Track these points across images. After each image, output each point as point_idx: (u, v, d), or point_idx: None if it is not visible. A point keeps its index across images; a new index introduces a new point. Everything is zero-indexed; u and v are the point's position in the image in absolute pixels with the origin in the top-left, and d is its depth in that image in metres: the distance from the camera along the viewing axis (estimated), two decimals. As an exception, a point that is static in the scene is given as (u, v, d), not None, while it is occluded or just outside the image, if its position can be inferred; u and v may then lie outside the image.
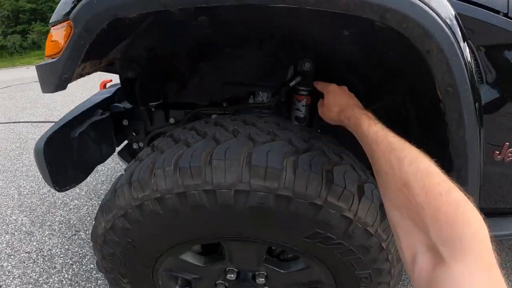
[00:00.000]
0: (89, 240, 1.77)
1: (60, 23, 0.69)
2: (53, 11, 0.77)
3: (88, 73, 0.87)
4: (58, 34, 0.70)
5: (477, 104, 0.65)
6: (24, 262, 1.68)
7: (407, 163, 0.48)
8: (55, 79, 0.71)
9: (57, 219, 1.97)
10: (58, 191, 1.01)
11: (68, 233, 1.84)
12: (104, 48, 0.80)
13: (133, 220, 0.73)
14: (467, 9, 0.78)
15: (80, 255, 1.68)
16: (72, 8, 0.65)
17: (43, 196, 2.23)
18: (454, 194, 0.41)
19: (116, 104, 1.22)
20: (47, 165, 0.93)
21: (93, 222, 0.89)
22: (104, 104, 1.19)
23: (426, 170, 0.45)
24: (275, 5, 0.59)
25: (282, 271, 0.88)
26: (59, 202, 2.14)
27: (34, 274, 1.60)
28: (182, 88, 1.13)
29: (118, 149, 1.38)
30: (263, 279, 0.91)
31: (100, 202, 2.00)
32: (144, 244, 0.78)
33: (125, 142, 1.39)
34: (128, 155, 1.40)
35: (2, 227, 1.96)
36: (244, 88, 1.09)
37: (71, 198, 2.16)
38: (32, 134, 3.52)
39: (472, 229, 0.38)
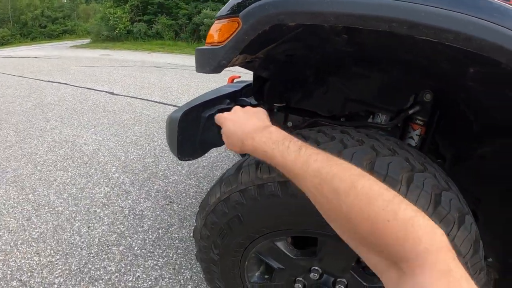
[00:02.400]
0: (180, 213, 1.95)
1: (228, 17, 0.81)
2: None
3: (236, 65, 1.01)
4: (224, 27, 0.83)
5: None
6: (116, 214, 1.91)
7: (343, 193, 0.44)
8: (214, 63, 0.86)
9: (155, 187, 2.20)
10: (180, 159, 1.17)
11: (162, 202, 2.05)
12: (259, 46, 0.92)
13: (250, 197, 0.82)
14: None
15: (168, 223, 1.86)
16: (243, 7, 0.77)
17: (147, 165, 2.51)
18: (400, 215, 0.40)
19: (243, 98, 1.36)
20: (178, 134, 1.08)
21: (204, 194, 1.01)
22: (232, 96, 1.33)
23: (366, 197, 0.42)
24: (419, 37, 0.63)
25: (364, 284, 0.90)
26: (160, 173, 2.39)
27: (122, 226, 1.81)
28: (306, 96, 1.22)
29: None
30: (342, 287, 0.93)
31: (197, 183, 2.20)
32: (251, 221, 0.87)
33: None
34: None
35: (104, 181, 2.26)
36: (365, 107, 1.14)
37: (171, 173, 2.40)
38: (146, 110, 3.96)
39: (423, 245, 0.37)
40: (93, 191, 2.13)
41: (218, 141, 1.33)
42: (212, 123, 1.29)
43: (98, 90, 4.98)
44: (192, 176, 2.38)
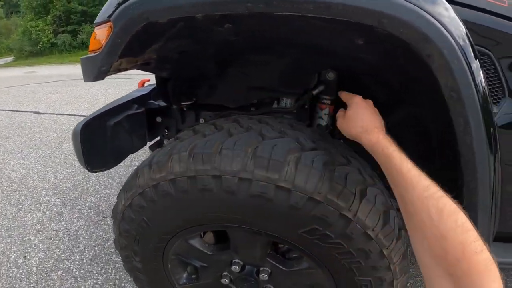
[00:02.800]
0: None
1: (103, 23, 0.79)
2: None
3: (126, 69, 0.98)
4: (100, 33, 0.81)
5: (485, 108, 0.66)
6: (51, 239, 1.83)
7: (446, 215, 0.50)
8: (95, 70, 0.83)
9: (87, 204, 2.12)
10: (90, 171, 1.13)
11: (96, 218, 1.98)
12: (140, 47, 0.89)
13: (148, 199, 0.81)
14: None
15: (104, 239, 1.80)
16: (114, 11, 0.75)
17: (77, 183, 2.40)
18: (485, 254, 0.47)
19: (151, 101, 1.33)
20: (81, 145, 1.04)
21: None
22: (140, 100, 1.30)
23: (463, 226, 0.49)
24: (280, 13, 0.65)
25: (285, 269, 0.92)
26: (91, 189, 2.30)
27: (58, 250, 1.74)
28: (212, 91, 1.21)
29: (150, 143, 1.48)
30: (266, 276, 0.94)
31: None
32: (156, 223, 0.86)
33: (158, 138, 1.48)
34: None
35: (36, 206, 2.16)
36: (269, 93, 1.16)
37: (103, 187, 2.32)
38: (73, 126, 3.75)
39: (496, 285, 0.45)
40: (25, 218, 2.02)
41: (131, 148, 1.30)
42: (121, 131, 1.26)
43: (23, 111, 4.63)
44: (124, 186, 2.31)
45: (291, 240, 0.80)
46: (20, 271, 1.62)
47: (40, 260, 1.68)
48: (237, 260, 0.96)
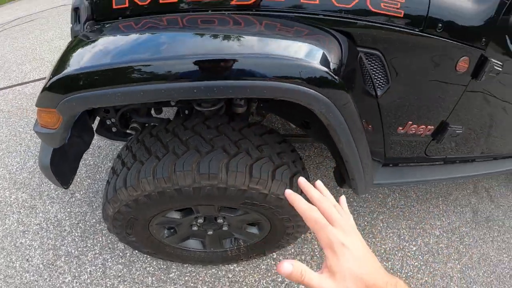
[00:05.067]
0: (85, 199, 2.19)
1: (48, 109, 0.97)
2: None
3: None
4: (50, 117, 0.99)
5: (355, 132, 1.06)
6: (38, 233, 2.03)
7: None
8: (57, 141, 1.07)
9: (52, 187, 2.30)
10: (66, 188, 1.38)
11: (66, 197, 2.21)
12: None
13: (132, 206, 1.16)
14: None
15: (82, 213, 2.10)
16: (56, 101, 0.92)
17: (32, 169, 2.51)
18: None
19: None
20: (55, 177, 1.28)
21: (101, 204, 1.31)
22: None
23: None
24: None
25: (232, 215, 1.39)
26: None
27: (50, 240, 1.98)
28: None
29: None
30: (221, 220, 1.42)
31: (83, 162, 2.33)
32: (141, 216, 1.24)
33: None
34: (104, 130, 1.63)
35: (8, 209, 2.22)
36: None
37: None
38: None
39: None
40: (6, 225, 2.12)
41: (86, 146, 1.45)
42: (74, 140, 1.42)
43: None
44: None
45: (234, 206, 1.25)
46: (31, 273, 1.84)
47: (41, 256, 1.91)
48: (200, 215, 1.40)
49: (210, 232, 1.51)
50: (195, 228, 1.47)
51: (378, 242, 2.22)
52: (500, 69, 1.33)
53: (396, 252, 2.19)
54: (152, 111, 1.62)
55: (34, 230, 2.08)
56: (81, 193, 2.25)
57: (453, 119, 1.50)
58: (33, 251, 1.97)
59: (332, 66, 0.92)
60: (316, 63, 0.89)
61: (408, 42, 1.15)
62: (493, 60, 1.28)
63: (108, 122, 1.55)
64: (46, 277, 1.84)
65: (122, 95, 0.86)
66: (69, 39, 1.21)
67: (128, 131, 1.52)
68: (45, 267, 1.88)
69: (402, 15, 1.07)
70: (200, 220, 1.42)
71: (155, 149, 1.15)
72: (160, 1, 1.02)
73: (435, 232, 2.43)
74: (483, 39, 1.22)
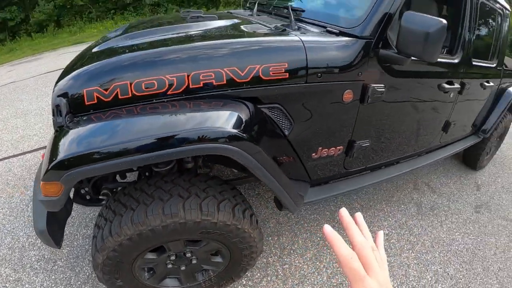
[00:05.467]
0: (67, 265, 2.39)
1: (53, 182, 1.31)
2: None
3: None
4: (53, 187, 1.32)
5: (266, 164, 1.52)
6: (22, 260, 2.26)
7: None
8: (58, 206, 1.41)
9: (33, 258, 2.46)
10: (59, 248, 1.71)
11: (49, 266, 2.39)
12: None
13: (118, 250, 1.51)
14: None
15: (66, 278, 2.30)
16: (60, 175, 1.25)
17: (10, 245, 2.62)
18: None
19: None
20: (52, 239, 1.62)
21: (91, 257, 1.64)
22: None
23: None
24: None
25: (197, 248, 1.76)
26: (27, 244, 2.60)
27: (34, 257, 2.21)
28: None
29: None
30: (190, 254, 1.78)
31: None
32: (125, 259, 1.58)
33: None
34: (79, 198, 1.91)
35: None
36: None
37: (34, 237, 2.66)
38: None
39: None
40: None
41: (69, 212, 1.86)
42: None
43: None
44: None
45: (195, 237, 1.63)
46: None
47: (44, 277, 2.21)
48: (171, 254, 1.76)
49: (183, 268, 1.85)
50: (169, 266, 1.81)
51: (333, 252, 2.61)
52: (383, 90, 1.84)
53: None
54: (118, 177, 1.99)
55: (14, 259, 2.30)
56: (63, 260, 2.46)
57: (357, 136, 2.01)
58: (32, 275, 2.20)
59: (242, 126, 1.39)
60: (229, 127, 1.35)
61: (298, 92, 1.64)
62: (373, 85, 1.79)
63: (82, 191, 1.90)
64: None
65: (104, 167, 1.27)
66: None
67: (100, 197, 1.88)
68: (55, 279, 2.12)
69: (288, 76, 1.58)
70: (173, 257, 1.77)
71: (129, 204, 1.52)
72: (119, 97, 1.43)
73: (384, 231, 2.85)
74: (359, 73, 1.73)
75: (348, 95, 1.77)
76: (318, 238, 2.71)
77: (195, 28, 1.84)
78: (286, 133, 1.74)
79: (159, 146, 1.28)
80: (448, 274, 2.62)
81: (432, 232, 2.93)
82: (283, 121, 1.72)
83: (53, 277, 2.37)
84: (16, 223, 2.86)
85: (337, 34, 1.78)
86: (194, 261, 1.83)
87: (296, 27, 1.88)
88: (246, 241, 1.72)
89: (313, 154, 1.93)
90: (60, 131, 1.37)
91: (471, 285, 2.56)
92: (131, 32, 1.88)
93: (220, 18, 2.14)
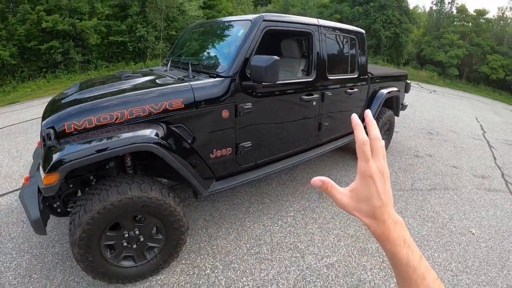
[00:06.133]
0: (41, 277, 2.94)
1: (53, 172, 2.15)
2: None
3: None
4: (53, 176, 2.15)
5: (177, 157, 2.55)
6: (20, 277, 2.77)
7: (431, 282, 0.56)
8: (54, 190, 2.23)
9: (11, 277, 2.78)
10: (45, 235, 2.51)
11: (25, 280, 2.76)
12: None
13: (90, 223, 2.35)
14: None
15: (43, 286, 2.77)
16: (58, 166, 2.16)
17: None
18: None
19: None
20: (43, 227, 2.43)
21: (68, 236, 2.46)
22: None
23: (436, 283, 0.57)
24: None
25: (142, 224, 2.67)
26: (2, 268, 2.97)
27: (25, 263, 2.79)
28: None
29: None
30: (137, 231, 2.67)
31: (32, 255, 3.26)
32: (95, 233, 2.42)
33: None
34: (51, 211, 2.65)
35: None
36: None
37: (8, 261, 3.12)
38: None
39: None
40: None
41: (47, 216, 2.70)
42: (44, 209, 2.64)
43: None
44: (24, 252, 3.37)
45: (138, 211, 2.55)
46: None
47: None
48: (125, 232, 2.63)
49: (134, 246, 2.68)
50: (125, 244, 2.66)
51: (249, 233, 3.49)
52: (250, 106, 2.97)
53: (264, 233, 3.48)
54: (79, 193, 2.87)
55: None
56: (37, 273, 2.97)
57: (240, 139, 3.10)
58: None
59: (159, 136, 2.45)
60: (152, 135, 2.41)
61: (192, 115, 2.73)
62: (241, 104, 2.93)
63: (55, 205, 2.75)
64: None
65: (81, 161, 2.18)
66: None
67: (68, 209, 2.75)
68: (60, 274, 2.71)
69: (183, 107, 2.67)
70: (126, 235, 2.62)
71: (96, 192, 2.39)
72: (87, 127, 2.36)
73: (291, 214, 3.74)
74: (230, 98, 2.87)
75: (225, 113, 2.92)
76: (237, 225, 3.69)
77: (127, 84, 2.93)
78: (189, 141, 2.81)
79: (112, 146, 2.27)
80: (348, 234, 3.55)
81: (333, 209, 3.88)
82: (186, 134, 2.78)
83: (31, 287, 3.01)
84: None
85: (214, 77, 2.97)
86: (141, 239, 2.68)
87: (191, 76, 3.05)
88: (174, 215, 2.64)
89: (211, 154, 2.99)
90: (52, 149, 2.25)
91: (371, 239, 3.50)
92: (86, 89, 2.91)
93: (143, 75, 3.19)
